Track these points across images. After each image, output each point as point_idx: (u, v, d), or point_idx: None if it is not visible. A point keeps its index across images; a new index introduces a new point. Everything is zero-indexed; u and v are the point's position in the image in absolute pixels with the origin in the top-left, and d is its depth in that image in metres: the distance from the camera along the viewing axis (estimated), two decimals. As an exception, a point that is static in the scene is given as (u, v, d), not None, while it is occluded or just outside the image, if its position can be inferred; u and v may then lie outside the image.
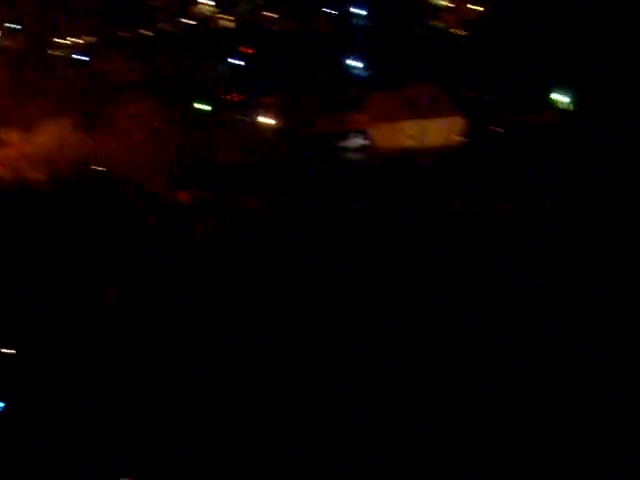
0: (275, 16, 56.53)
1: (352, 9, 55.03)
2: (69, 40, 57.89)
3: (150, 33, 54.44)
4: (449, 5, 58.94)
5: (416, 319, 31.53)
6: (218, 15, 57.43)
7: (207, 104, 48.93)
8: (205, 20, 57.36)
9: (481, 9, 58.07)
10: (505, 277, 34.07)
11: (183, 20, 57.56)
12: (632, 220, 37.60)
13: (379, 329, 30.57)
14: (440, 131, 48.41)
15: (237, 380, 27.81)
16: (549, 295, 32.09)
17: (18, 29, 58.19)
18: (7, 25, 58.20)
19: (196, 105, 48.88)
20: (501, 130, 49.10)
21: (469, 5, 58.57)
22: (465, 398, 24.89)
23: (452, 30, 58.19)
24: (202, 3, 58.55)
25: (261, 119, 48.47)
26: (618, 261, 34.22)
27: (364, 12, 55.45)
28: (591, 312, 30.34)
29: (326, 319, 31.58)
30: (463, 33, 58.13)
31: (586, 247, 35.82)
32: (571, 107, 51.09)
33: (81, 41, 58.44)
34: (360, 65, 51.94)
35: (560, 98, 51.25)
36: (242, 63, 50.62)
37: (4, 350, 29.21)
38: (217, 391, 27.44)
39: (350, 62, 52.18)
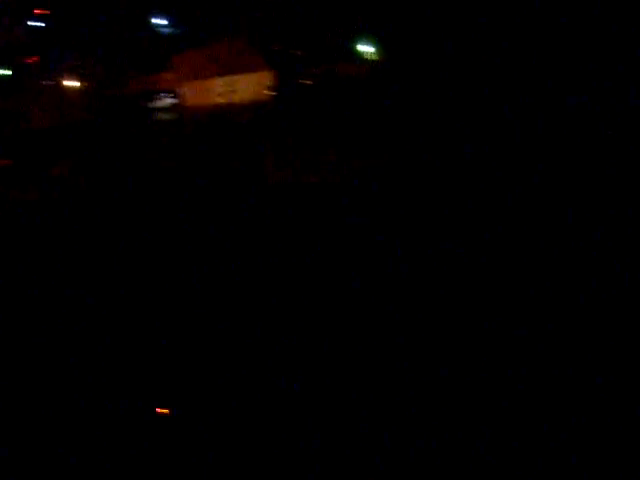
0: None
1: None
2: None
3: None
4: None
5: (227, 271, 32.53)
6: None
7: (7, 69, 47.03)
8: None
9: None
10: (323, 225, 35.58)
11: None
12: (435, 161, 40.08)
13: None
14: (249, 86, 48.96)
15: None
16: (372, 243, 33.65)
17: None
18: None
19: (-4, 71, 46.91)
20: (310, 82, 50.40)
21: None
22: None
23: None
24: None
25: (66, 82, 47.18)
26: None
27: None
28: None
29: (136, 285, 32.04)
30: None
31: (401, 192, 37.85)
32: (376, 57, 53.09)
33: None
34: (166, 23, 51.42)
35: (365, 49, 53.09)
36: (42, 25, 48.82)
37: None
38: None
39: (156, 20, 51.51)
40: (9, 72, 46.85)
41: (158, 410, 23.29)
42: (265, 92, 48.95)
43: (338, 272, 31.44)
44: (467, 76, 46.65)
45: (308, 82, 50.19)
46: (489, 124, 42.35)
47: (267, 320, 28.44)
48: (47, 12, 49.02)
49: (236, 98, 48.24)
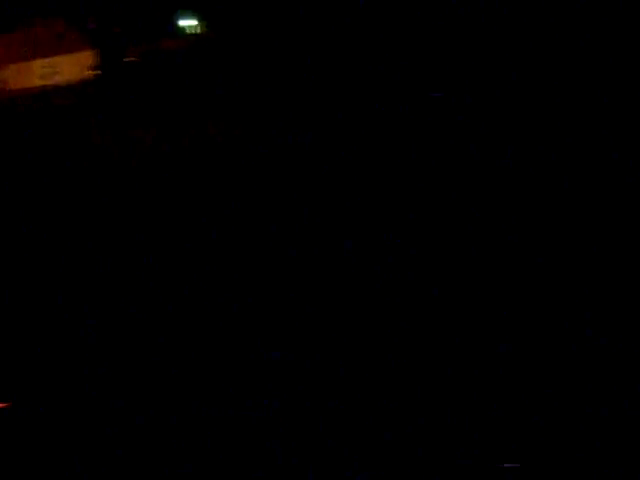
0: None
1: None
2: None
3: None
4: None
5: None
6: None
7: None
8: None
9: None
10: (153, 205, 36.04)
11: None
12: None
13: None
14: (72, 67, 48.83)
15: None
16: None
17: None
18: None
19: None
20: (135, 59, 50.78)
21: None
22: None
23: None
24: None
25: None
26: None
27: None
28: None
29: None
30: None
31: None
32: (199, 30, 54.17)
33: None
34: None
35: (188, 23, 54.03)
36: None
37: None
38: None
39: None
40: None
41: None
42: (88, 72, 49.04)
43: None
44: (297, 48, 47.67)
45: (131, 59, 50.59)
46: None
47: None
48: None
49: (59, 79, 48.09)
